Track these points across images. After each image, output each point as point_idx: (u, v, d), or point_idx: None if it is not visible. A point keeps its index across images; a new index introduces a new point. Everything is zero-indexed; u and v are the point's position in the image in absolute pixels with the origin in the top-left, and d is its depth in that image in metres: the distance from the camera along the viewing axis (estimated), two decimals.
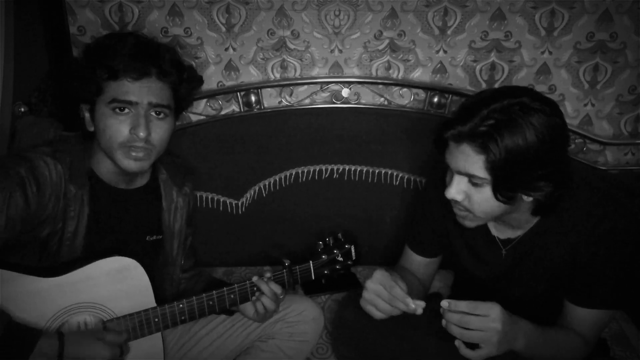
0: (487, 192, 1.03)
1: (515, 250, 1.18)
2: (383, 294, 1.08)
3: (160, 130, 1.14)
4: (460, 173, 1.04)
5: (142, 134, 1.10)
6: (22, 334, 0.99)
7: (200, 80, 1.27)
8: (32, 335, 0.99)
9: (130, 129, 1.10)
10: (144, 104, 1.11)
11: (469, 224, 1.12)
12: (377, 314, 1.09)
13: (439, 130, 1.07)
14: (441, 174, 1.20)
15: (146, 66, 1.10)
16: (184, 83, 1.19)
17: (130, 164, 1.12)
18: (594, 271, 1.10)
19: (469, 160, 1.01)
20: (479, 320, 1.01)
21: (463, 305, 1.01)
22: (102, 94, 1.11)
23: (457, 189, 1.06)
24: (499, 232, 1.20)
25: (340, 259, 1.30)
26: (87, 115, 1.15)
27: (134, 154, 1.12)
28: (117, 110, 1.10)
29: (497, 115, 0.97)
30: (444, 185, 1.13)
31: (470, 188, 1.05)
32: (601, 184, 1.15)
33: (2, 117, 1.40)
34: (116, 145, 1.11)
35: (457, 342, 1.03)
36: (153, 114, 1.13)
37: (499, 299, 1.04)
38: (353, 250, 1.33)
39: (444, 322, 1.03)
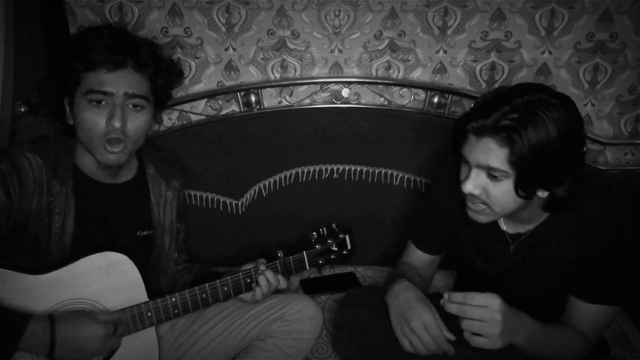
0: (505, 185, 1.04)
1: (523, 246, 1.18)
2: (433, 330, 1.09)
3: (136, 122, 1.14)
4: (480, 166, 1.04)
5: (117, 124, 1.10)
6: (12, 318, 0.99)
7: (179, 74, 1.28)
8: (22, 319, 0.98)
9: (107, 120, 1.10)
10: (119, 94, 1.11)
11: (483, 218, 1.11)
12: (418, 348, 1.10)
13: (459, 123, 1.08)
14: (449, 172, 1.20)
15: (122, 57, 1.11)
16: (161, 74, 1.19)
17: (107, 157, 1.13)
18: (601, 267, 1.10)
19: (492, 153, 1.01)
20: (478, 310, 1.02)
21: (460, 295, 1.04)
22: (79, 85, 1.11)
23: (474, 183, 1.06)
24: (508, 227, 1.20)
25: (334, 248, 1.30)
26: (67, 108, 1.16)
27: (110, 147, 1.12)
28: (94, 102, 1.11)
29: (520, 109, 0.98)
30: (452, 182, 1.14)
31: (488, 182, 1.05)
32: (608, 182, 1.16)
33: (2, 117, 1.40)
34: (93, 138, 1.12)
35: (465, 334, 1.04)
36: (130, 105, 1.13)
37: (505, 295, 1.05)
38: (348, 239, 1.33)
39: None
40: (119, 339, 1.12)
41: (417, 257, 1.35)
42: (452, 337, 1.10)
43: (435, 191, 1.31)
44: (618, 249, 1.09)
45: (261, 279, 1.22)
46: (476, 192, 1.06)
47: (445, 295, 1.06)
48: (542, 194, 1.06)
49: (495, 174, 1.03)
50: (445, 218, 1.28)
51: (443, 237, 1.31)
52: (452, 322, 1.09)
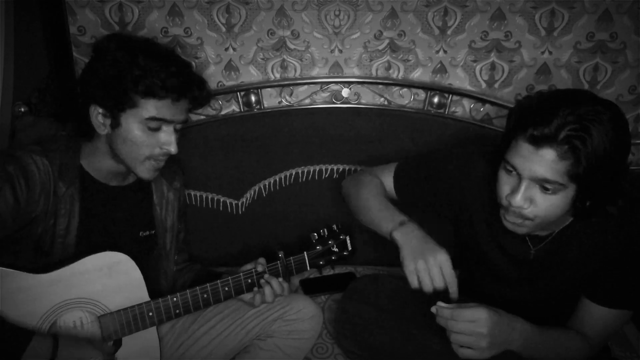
0: (558, 199, 0.99)
1: (545, 250, 1.15)
2: (447, 268, 1.09)
3: (177, 143, 1.19)
4: (534, 179, 0.98)
5: (174, 151, 1.16)
6: (14, 335, 1.00)
7: (208, 97, 1.29)
8: (24, 336, 1.00)
9: (162, 144, 1.15)
10: (177, 122, 1.15)
11: (523, 230, 1.06)
12: (426, 285, 1.09)
13: (511, 131, 1.01)
14: (482, 164, 1.17)
15: (188, 89, 1.15)
16: (202, 101, 1.24)
17: (149, 174, 1.18)
18: (617, 271, 1.09)
19: (551, 166, 0.95)
20: (464, 325, 1.02)
21: (447, 312, 1.03)
22: (136, 107, 1.11)
23: (525, 196, 1.00)
24: None
25: (335, 249, 1.30)
26: (100, 118, 1.14)
27: (155, 165, 1.17)
28: (152, 126, 1.13)
29: (581, 119, 0.93)
30: (484, 181, 1.11)
31: (537, 194, 0.99)
32: (625, 185, 1.14)
33: (2, 117, 1.40)
34: (142, 158, 1.15)
35: (453, 346, 1.04)
36: (178, 127, 1.18)
37: (522, 297, 1.04)
38: (349, 240, 1.33)
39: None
40: None
41: (387, 185, 1.32)
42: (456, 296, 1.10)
43: (455, 166, 1.23)
44: (635, 253, 1.07)
45: (267, 289, 1.22)
46: (526, 205, 1.00)
47: (433, 309, 1.05)
48: (611, 209, 1.02)
49: (549, 187, 0.97)
50: (456, 198, 1.22)
51: (427, 201, 1.28)
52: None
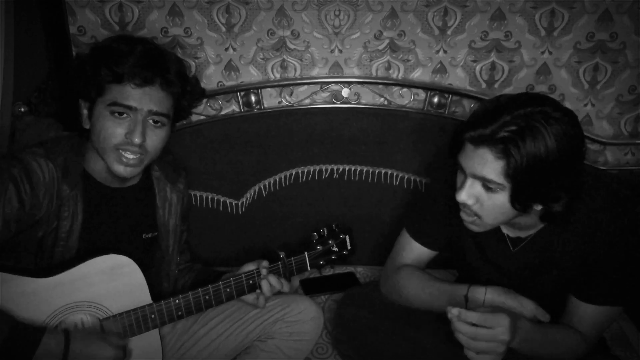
0: (499, 198, 1.02)
1: (524, 250, 1.17)
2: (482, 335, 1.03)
3: (155, 138, 1.15)
4: (475, 177, 1.03)
5: (137, 140, 1.10)
6: (26, 332, 1.00)
7: (202, 94, 1.29)
8: (36, 333, 1.00)
9: (126, 133, 1.11)
10: (143, 110, 1.11)
11: (475, 228, 1.11)
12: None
13: (457, 131, 1.05)
14: (448, 175, 1.20)
15: (152, 74, 1.11)
16: (186, 95, 1.20)
17: (120, 169, 1.13)
18: (603, 269, 1.10)
19: (488, 165, 0.99)
20: (487, 332, 1.00)
21: (474, 316, 1.01)
22: (103, 94, 1.11)
23: (468, 193, 1.04)
24: (508, 231, 1.19)
25: (335, 249, 1.30)
26: (85, 112, 1.16)
27: (124, 159, 1.12)
28: (116, 114, 1.10)
29: (520, 121, 0.96)
30: (450, 186, 1.13)
31: (482, 193, 1.04)
32: (609, 183, 1.14)
33: (2, 117, 1.40)
34: (109, 148, 1.12)
35: (465, 351, 1.02)
36: (150, 121, 1.13)
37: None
38: (348, 240, 1.33)
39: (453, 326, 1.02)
40: None
41: (415, 251, 1.31)
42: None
43: (437, 188, 1.29)
44: (620, 250, 1.09)
45: (264, 284, 1.22)
46: (470, 202, 1.05)
47: (455, 312, 1.02)
48: (537, 207, 1.04)
49: (491, 186, 1.01)
50: (446, 216, 1.26)
51: (442, 234, 1.29)
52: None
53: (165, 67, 1.14)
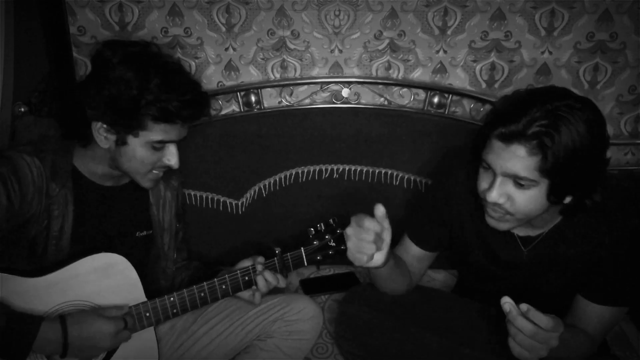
0: (532, 193, 1.00)
1: (536, 250, 1.16)
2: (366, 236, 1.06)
3: (178, 156, 1.21)
4: (506, 175, 1.01)
5: (176, 166, 1.19)
6: (24, 322, 1.00)
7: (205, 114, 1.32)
8: (34, 321, 1.00)
9: (164, 158, 1.17)
10: (179, 139, 1.18)
11: (504, 225, 1.08)
12: (364, 258, 1.06)
13: (481, 129, 1.04)
14: (461, 170, 1.18)
15: (200, 115, 1.19)
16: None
17: (152, 184, 1.22)
18: (612, 269, 1.10)
19: (521, 162, 0.97)
20: (545, 334, 0.92)
21: (543, 319, 0.90)
22: (145, 130, 1.12)
23: (500, 192, 1.02)
24: (518, 230, 1.17)
25: (332, 244, 1.29)
26: (103, 132, 1.13)
27: (157, 174, 1.20)
28: (158, 147, 1.15)
29: (550, 114, 0.95)
30: (465, 182, 1.11)
31: (514, 190, 1.02)
32: (617, 183, 1.13)
33: (2, 117, 1.40)
34: (145, 172, 1.17)
35: (510, 343, 0.94)
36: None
37: (513, 297, 1.03)
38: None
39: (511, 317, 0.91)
40: (130, 332, 1.14)
41: (409, 250, 1.32)
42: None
43: (441, 188, 1.27)
44: (629, 251, 1.08)
45: (259, 280, 1.21)
46: (501, 200, 1.02)
47: (524, 307, 0.90)
48: (567, 199, 1.03)
49: (522, 182, 0.99)
50: (449, 217, 1.25)
51: (442, 235, 1.29)
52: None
53: (205, 104, 1.21)
